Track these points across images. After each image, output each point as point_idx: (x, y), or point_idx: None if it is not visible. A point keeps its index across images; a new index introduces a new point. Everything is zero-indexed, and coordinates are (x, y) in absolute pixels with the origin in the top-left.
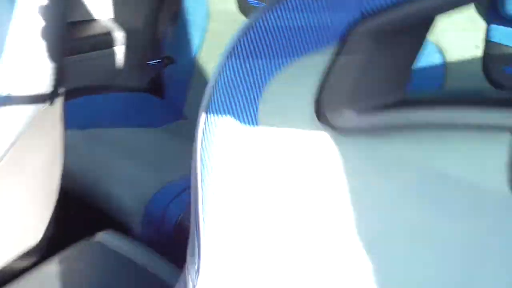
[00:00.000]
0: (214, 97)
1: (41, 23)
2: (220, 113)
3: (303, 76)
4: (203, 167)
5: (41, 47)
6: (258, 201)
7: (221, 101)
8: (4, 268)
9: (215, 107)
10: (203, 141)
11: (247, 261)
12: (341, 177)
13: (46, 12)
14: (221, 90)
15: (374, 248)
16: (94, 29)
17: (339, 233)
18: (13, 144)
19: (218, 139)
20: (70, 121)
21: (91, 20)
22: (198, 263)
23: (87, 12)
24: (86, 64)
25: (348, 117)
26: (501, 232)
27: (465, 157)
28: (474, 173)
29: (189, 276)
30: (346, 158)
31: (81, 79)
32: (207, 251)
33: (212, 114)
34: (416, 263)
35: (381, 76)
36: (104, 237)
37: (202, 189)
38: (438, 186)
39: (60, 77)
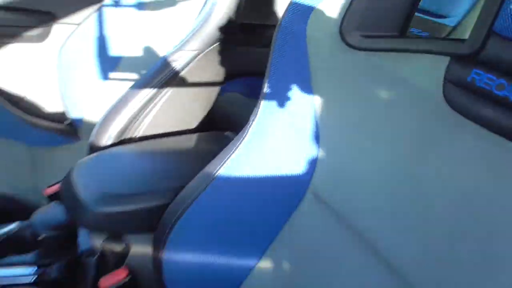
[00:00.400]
0: (282, 23)
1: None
2: (288, 28)
3: (335, 8)
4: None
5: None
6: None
7: (286, 25)
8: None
9: (283, 28)
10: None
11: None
12: (347, 79)
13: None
14: (286, 19)
15: (356, 129)
16: (270, 32)
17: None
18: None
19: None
20: (234, 87)
21: (271, 25)
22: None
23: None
24: (257, 55)
25: (357, 39)
26: (433, 127)
27: (419, 70)
28: (423, 81)
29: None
30: (352, 67)
31: (250, 65)
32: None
33: (283, 30)
34: (379, 142)
35: (381, 16)
36: (231, 134)
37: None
38: (400, 89)
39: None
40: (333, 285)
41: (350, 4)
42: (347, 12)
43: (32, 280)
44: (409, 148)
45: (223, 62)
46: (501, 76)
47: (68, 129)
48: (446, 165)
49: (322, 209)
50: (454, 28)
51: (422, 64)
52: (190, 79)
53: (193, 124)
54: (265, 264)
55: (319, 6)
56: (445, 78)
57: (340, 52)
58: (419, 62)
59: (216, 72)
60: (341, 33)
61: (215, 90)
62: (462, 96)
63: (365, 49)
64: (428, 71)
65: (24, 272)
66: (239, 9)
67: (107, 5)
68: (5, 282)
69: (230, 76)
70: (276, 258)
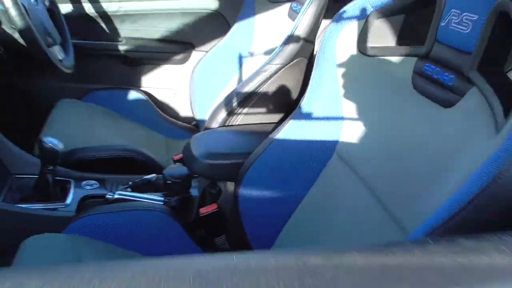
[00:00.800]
0: (323, 39)
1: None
2: (326, 43)
3: (354, 29)
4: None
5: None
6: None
7: (325, 40)
8: None
9: (323, 42)
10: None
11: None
12: (360, 75)
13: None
14: (326, 37)
15: (364, 108)
16: None
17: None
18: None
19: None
20: None
21: None
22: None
23: None
24: None
25: (366, 49)
26: (405, 100)
27: (402, 66)
28: (403, 74)
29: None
30: (363, 67)
31: None
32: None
33: (323, 43)
34: (376, 114)
35: (382, 34)
36: None
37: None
38: (390, 79)
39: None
40: (337, 210)
41: (363, 26)
42: (361, 31)
43: (161, 203)
44: (393, 115)
45: (300, 77)
46: (437, 66)
47: (194, 128)
48: (409, 122)
49: (342, 165)
50: None
51: (404, 63)
52: (274, 86)
53: (275, 120)
54: (306, 202)
55: (345, 28)
56: (413, 71)
57: (356, 58)
58: (402, 62)
59: (295, 83)
60: (357, 45)
61: (295, 96)
62: (419, 80)
63: (372, 55)
64: (406, 67)
65: (157, 198)
66: (314, 36)
67: (227, 39)
68: (145, 200)
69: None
70: (312, 199)
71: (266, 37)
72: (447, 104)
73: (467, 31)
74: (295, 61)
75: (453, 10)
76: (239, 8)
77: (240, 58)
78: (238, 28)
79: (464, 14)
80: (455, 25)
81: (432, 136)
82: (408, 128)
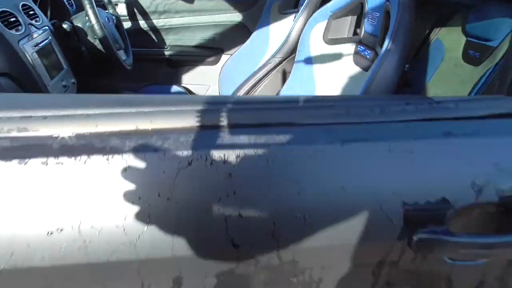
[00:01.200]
0: (302, 33)
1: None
2: (304, 36)
3: (321, 26)
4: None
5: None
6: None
7: (304, 34)
8: None
9: (302, 36)
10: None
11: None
12: (324, 57)
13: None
14: (304, 32)
15: (327, 80)
16: None
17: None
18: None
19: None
20: None
21: None
22: None
23: None
24: None
25: (328, 40)
26: (347, 72)
27: (348, 50)
28: (347, 53)
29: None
30: (326, 52)
31: None
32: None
33: (302, 37)
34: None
35: (339, 29)
36: None
37: None
38: (341, 57)
39: None
40: None
41: (326, 25)
42: (325, 28)
43: None
44: (342, 81)
45: None
46: (364, 46)
47: None
48: (350, 83)
49: None
50: (496, 47)
51: (349, 47)
52: (278, 74)
53: None
54: None
55: (315, 27)
56: (353, 52)
57: (322, 46)
58: (349, 46)
59: None
60: (323, 37)
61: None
62: (356, 57)
63: (332, 44)
64: (350, 50)
65: None
66: None
67: (248, 43)
68: None
69: None
70: None
71: (277, 40)
72: (366, 69)
73: (375, 23)
74: (293, 55)
75: (369, 10)
76: (258, 19)
77: (258, 57)
78: (257, 35)
79: (374, 12)
80: (370, 20)
81: (358, 88)
82: (349, 86)
